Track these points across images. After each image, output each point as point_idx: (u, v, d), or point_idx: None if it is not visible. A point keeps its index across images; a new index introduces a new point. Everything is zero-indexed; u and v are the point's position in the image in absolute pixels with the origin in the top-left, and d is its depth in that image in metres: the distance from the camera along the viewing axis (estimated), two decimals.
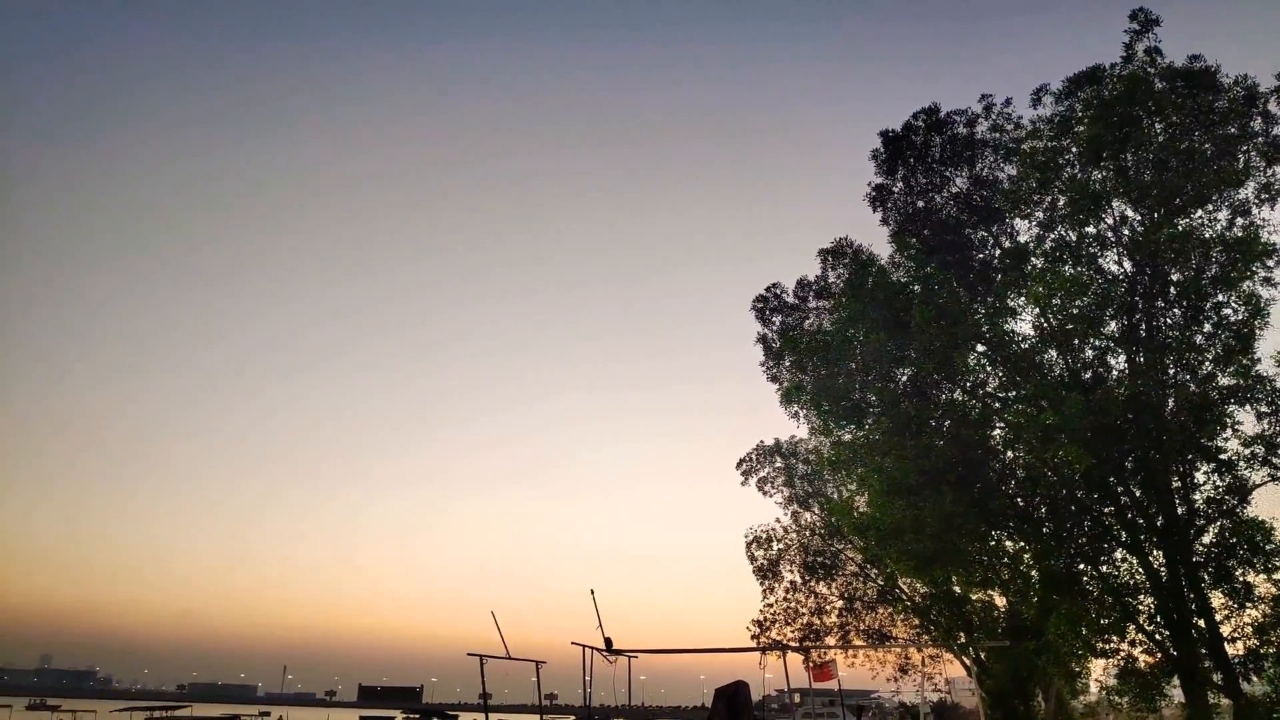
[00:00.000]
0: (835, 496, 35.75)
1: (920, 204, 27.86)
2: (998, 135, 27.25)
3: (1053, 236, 24.37)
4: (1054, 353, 24.02)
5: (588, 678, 23.60)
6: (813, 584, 37.10)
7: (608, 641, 23.65)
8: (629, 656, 25.19)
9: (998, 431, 24.48)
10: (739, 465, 39.25)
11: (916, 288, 24.87)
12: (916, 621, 34.96)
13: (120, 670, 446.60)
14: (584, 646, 23.15)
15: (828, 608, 36.90)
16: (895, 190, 27.99)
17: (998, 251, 26.67)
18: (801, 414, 29.93)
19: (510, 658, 21.85)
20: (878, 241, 40.22)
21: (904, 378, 25.38)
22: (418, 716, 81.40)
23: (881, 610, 36.43)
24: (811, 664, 30.91)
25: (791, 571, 37.74)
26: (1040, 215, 24.60)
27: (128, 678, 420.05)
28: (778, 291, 32.72)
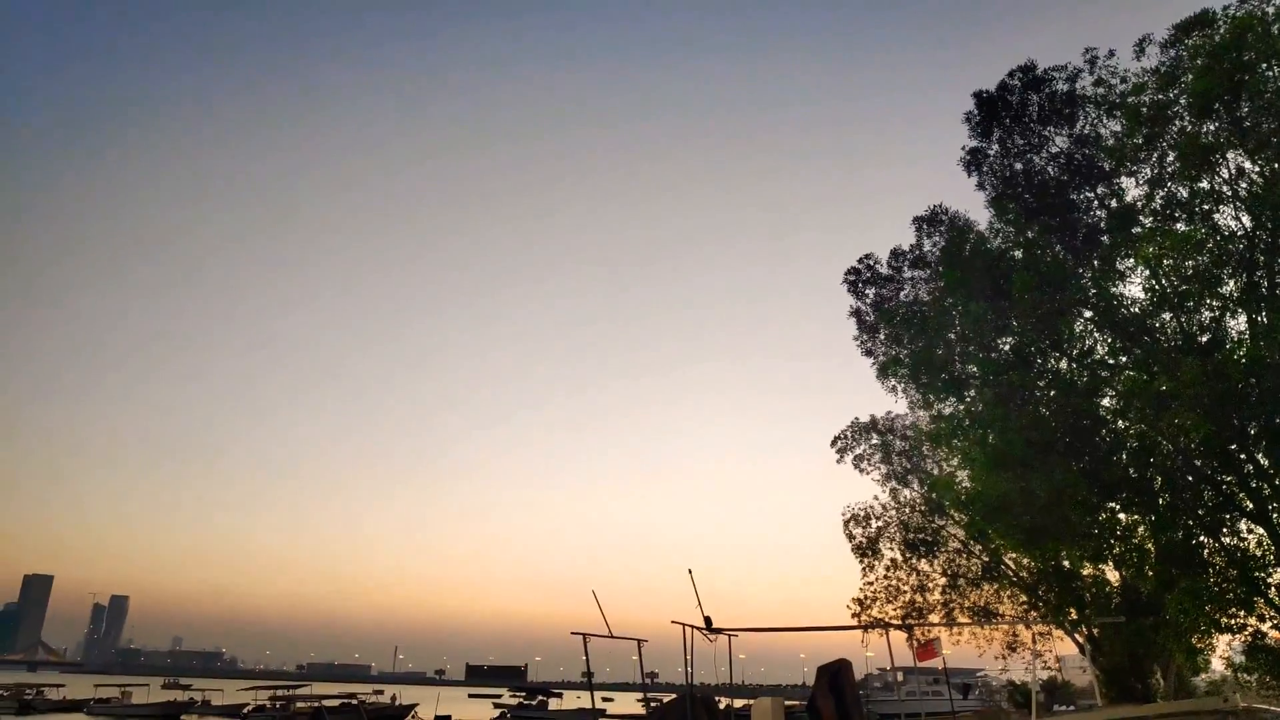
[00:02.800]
0: (935, 472, 34.93)
1: (1018, 166, 26.82)
2: (1101, 91, 25.94)
3: (1162, 194, 23.10)
4: (1167, 316, 22.84)
5: (689, 656, 23.76)
6: (914, 561, 36.37)
7: (707, 620, 23.72)
8: (729, 635, 25.22)
9: (1107, 400, 23.47)
10: (834, 443, 38.69)
11: (1017, 253, 23.99)
12: (1024, 598, 33.94)
13: (244, 651, 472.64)
14: (684, 625, 23.28)
15: (930, 585, 36.14)
16: (991, 153, 27.00)
17: (1103, 212, 25.47)
18: (900, 388, 29.24)
19: (612, 636, 22.10)
20: (974, 207, 39.00)
21: (1006, 347, 24.55)
22: (524, 694, 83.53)
23: (986, 587, 35.47)
24: (915, 642, 30.45)
25: (891, 549, 37.08)
26: (1148, 172, 23.34)
27: (251, 658, 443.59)
28: (871, 263, 31.89)
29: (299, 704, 55.30)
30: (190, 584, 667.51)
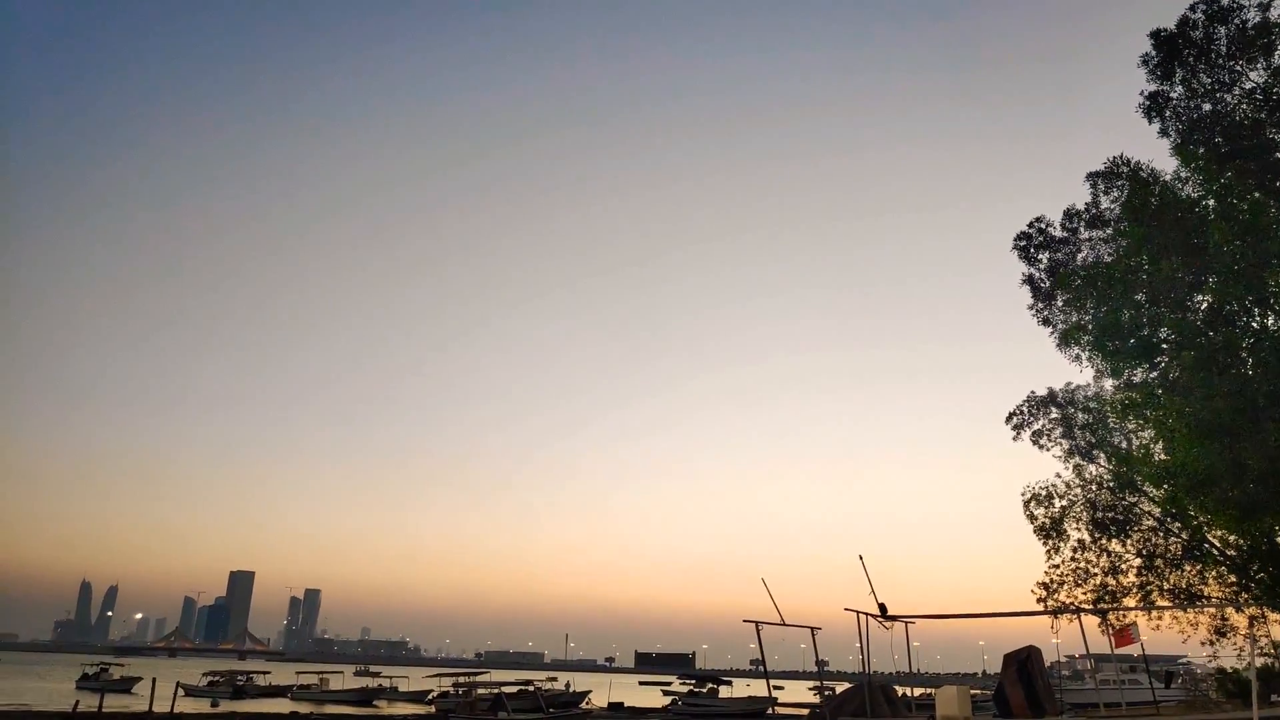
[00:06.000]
0: (1124, 445, 32.47)
1: (1206, 108, 24.42)
2: None
3: None
4: None
5: (864, 644, 23.09)
6: (1104, 541, 33.95)
7: (882, 607, 22.98)
8: (905, 622, 24.35)
9: None
10: (1009, 419, 36.60)
11: (1210, 203, 21.83)
12: (1233, 579, 31.09)
13: (426, 640, 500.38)
14: (858, 612, 22.65)
15: (1123, 566, 33.65)
16: (1174, 96, 24.70)
17: None
18: (1084, 357, 27.25)
19: (784, 624, 21.77)
20: (1158, 156, 35.59)
21: (1203, 307, 22.43)
22: (694, 682, 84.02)
23: (1189, 568, 32.69)
24: (1110, 627, 28.49)
25: (1078, 529, 34.73)
26: None
27: (433, 647, 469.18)
28: (1042, 226, 29.80)
29: (480, 690, 57.64)
30: (376, 578, 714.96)
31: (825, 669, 59.52)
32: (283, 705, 67.86)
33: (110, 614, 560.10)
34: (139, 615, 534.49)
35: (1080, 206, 28.76)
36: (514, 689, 57.47)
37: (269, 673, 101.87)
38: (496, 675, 72.86)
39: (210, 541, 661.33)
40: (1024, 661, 21.87)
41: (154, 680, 50.91)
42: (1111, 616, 29.11)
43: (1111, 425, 32.84)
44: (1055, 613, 30.68)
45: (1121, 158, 26.81)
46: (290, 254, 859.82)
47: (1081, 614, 27.53)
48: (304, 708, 65.18)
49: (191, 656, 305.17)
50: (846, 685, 35.36)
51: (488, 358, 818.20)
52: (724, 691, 77.84)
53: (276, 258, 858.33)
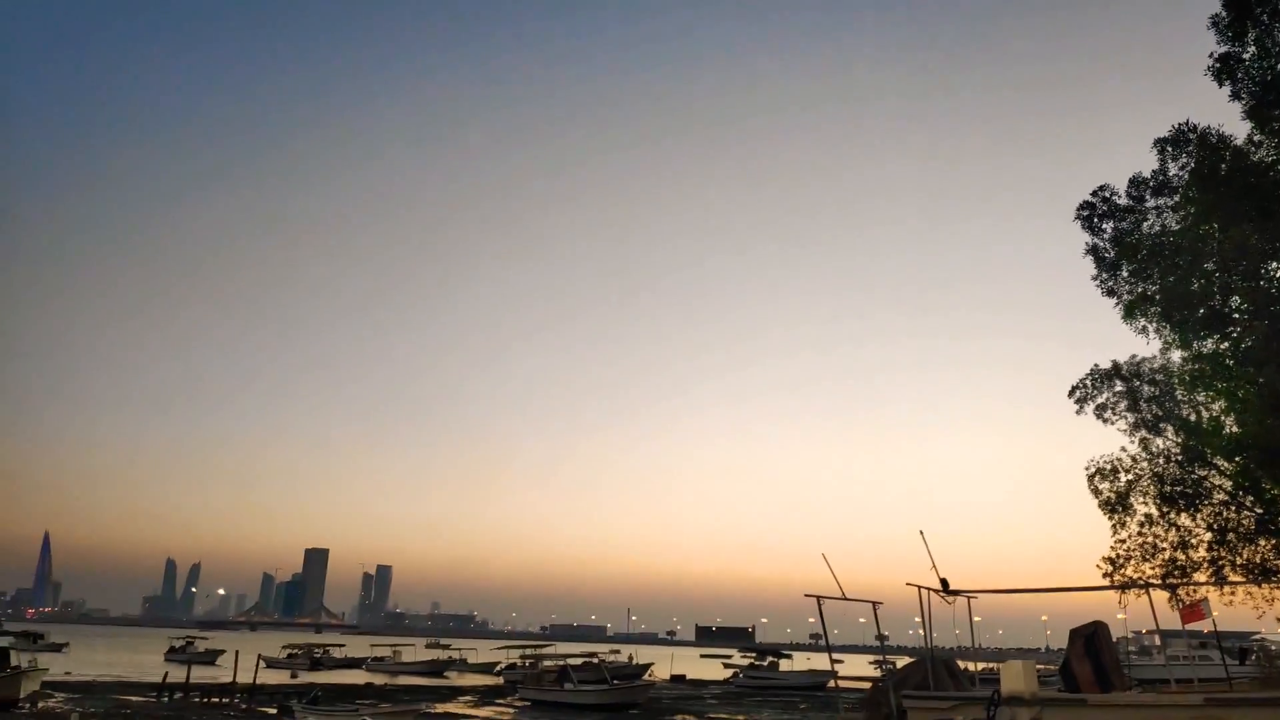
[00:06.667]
0: (1193, 418, 31.67)
1: None
2: None
3: None
4: None
5: (926, 618, 23.10)
6: (1172, 516, 33.23)
7: (944, 582, 22.91)
8: (968, 597, 24.26)
9: None
10: (1071, 393, 35.88)
11: None
12: None
13: (493, 614, 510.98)
14: (919, 587, 22.65)
15: (1193, 541, 32.88)
16: (1246, 56, 23.81)
17: None
18: (1150, 328, 26.58)
19: (846, 598, 21.89)
20: (1228, 120, 34.37)
21: (1276, 274, 21.77)
22: (754, 655, 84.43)
23: (1263, 542, 31.84)
24: (1179, 602, 28.03)
25: (1145, 503, 34.03)
26: None
27: (499, 620, 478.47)
28: (1107, 195, 28.94)
29: (546, 662, 58.95)
30: (445, 554, 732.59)
31: (884, 643, 59.22)
32: (358, 676, 70.28)
33: (194, 590, 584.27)
34: (221, 591, 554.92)
35: (1147, 173, 27.93)
36: (579, 661, 58.57)
37: (344, 645, 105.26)
38: (561, 648, 74.30)
39: (287, 521, 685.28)
40: (1091, 636, 21.62)
41: (236, 653, 53.13)
42: (1181, 591, 28.61)
43: (1180, 397, 32.05)
44: (1123, 587, 30.23)
45: (1188, 123, 25.97)
46: (362, 248, 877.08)
47: (1150, 589, 27.11)
48: (379, 679, 67.41)
49: (270, 630, 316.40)
50: (907, 659, 35.33)
51: (550, 341, 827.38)
52: (784, 665, 78.20)
53: (349, 252, 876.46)
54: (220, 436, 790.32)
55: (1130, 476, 34.30)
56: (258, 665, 48.26)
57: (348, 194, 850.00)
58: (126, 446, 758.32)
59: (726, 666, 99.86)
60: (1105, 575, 33.44)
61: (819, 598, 21.43)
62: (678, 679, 75.72)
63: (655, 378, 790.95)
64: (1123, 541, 33.84)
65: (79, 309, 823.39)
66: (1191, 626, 25.85)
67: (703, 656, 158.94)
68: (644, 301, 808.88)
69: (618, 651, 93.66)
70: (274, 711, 35.67)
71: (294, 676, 67.38)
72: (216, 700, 41.01)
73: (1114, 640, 23.76)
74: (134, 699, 40.79)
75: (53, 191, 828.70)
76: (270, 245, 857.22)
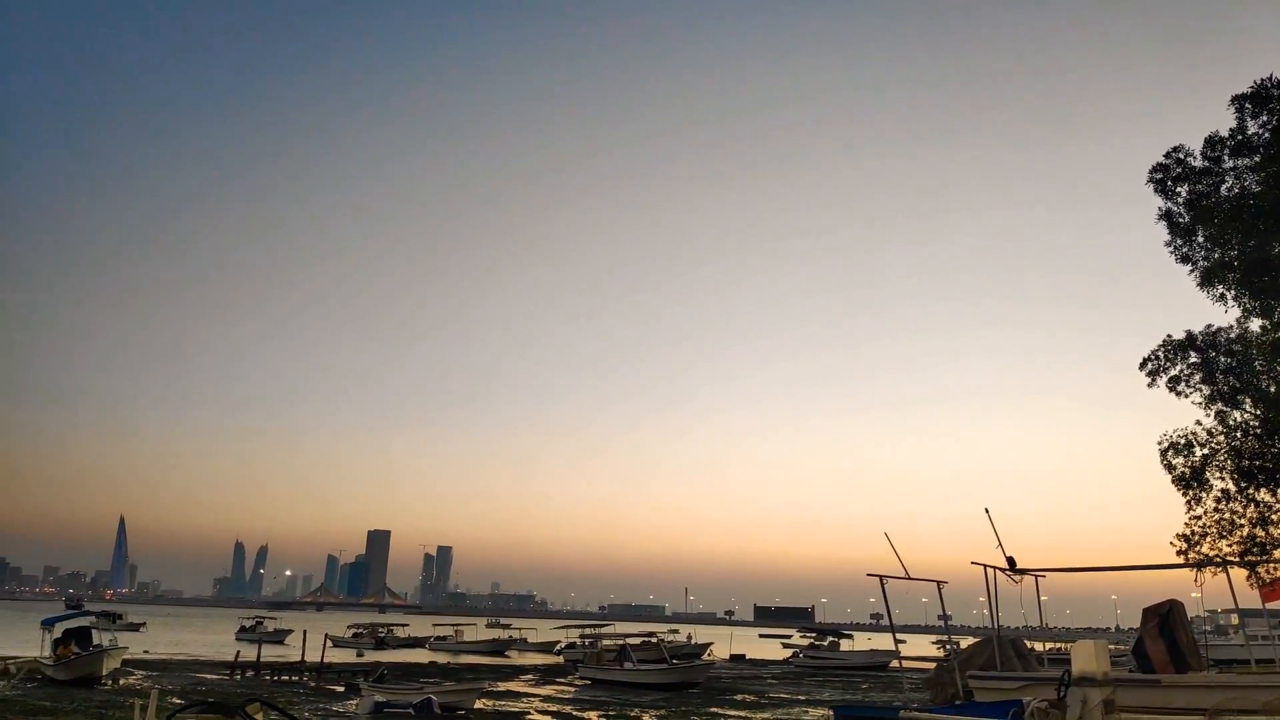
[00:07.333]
0: (1273, 389, 30.39)
1: None
2: None
3: None
4: None
5: (992, 598, 22.59)
6: (1251, 491, 31.99)
7: (1010, 560, 22.37)
8: (1035, 576, 23.66)
9: None
10: (1143, 365, 34.66)
11: None
12: None
13: (553, 594, 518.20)
14: (985, 566, 22.16)
15: (1273, 517, 31.67)
16: None
17: None
18: (1228, 295, 25.44)
19: (909, 578, 21.51)
20: None
21: None
22: (814, 635, 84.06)
23: None
24: (1259, 580, 27.04)
25: (1221, 479, 32.82)
26: None
27: (558, 600, 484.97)
28: (1181, 156, 27.56)
29: (605, 642, 59.34)
30: (504, 535, 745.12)
31: (948, 623, 58.44)
32: (422, 655, 71.61)
33: (262, 572, 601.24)
34: (288, 572, 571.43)
35: (1224, 133, 26.61)
36: (638, 640, 58.85)
37: (407, 625, 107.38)
38: (620, 628, 74.78)
39: (350, 503, 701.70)
40: (1165, 615, 20.96)
41: (304, 632, 54.45)
42: (1261, 569, 27.58)
43: (1259, 368, 30.76)
44: (1199, 565, 29.24)
45: (1270, 79, 24.67)
46: (427, 240, 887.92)
47: (1228, 566, 26.18)
48: (442, 657, 68.61)
49: (336, 610, 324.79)
50: (971, 640, 34.69)
51: (609, 325, 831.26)
52: (844, 645, 77.69)
53: (415, 244, 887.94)
54: (284, 425, 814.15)
55: (1206, 451, 33.06)
56: (325, 645, 49.40)
57: (411, 184, 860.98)
58: (198, 436, 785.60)
59: (785, 646, 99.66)
60: (1180, 553, 32.35)
61: (882, 577, 21.07)
62: (737, 658, 75.71)
63: (715, 359, 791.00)
64: (1198, 518, 32.68)
65: (157, 309, 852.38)
66: (1272, 606, 24.89)
67: (761, 636, 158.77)
68: (703, 282, 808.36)
69: (676, 631, 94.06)
70: (342, 689, 36.46)
71: (360, 655, 68.93)
72: (287, 678, 42.05)
73: (1189, 619, 23.00)
74: (209, 676, 42.06)
75: (121, 198, 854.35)
76: (336, 241, 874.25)
